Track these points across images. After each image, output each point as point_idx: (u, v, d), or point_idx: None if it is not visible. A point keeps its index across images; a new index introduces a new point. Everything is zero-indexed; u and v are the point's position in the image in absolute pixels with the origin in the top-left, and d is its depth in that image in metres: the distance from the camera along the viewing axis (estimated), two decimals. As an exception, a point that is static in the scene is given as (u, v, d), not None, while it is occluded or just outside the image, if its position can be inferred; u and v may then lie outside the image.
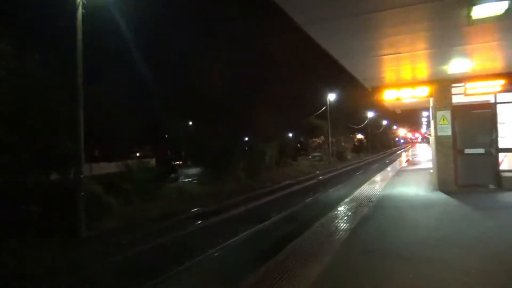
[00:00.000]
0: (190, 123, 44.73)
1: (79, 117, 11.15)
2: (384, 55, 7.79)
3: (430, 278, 4.27)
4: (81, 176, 11.19)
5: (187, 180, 24.54)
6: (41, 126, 11.98)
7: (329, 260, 5.02)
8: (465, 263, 4.66)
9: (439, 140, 10.54)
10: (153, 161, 25.58)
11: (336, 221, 7.66)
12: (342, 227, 7.05)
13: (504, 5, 4.65)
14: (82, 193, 11.01)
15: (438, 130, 10.45)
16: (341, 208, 9.00)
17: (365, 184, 13.86)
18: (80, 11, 11.20)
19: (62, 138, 12.94)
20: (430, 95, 10.44)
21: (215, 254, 8.84)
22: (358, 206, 9.04)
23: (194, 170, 26.20)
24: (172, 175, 24.84)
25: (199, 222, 12.18)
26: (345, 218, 7.89)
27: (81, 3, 11.19)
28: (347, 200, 10.25)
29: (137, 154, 35.27)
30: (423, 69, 9.34)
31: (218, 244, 9.45)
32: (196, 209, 14.29)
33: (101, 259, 8.51)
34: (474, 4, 4.74)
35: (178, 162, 34.65)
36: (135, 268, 8.19)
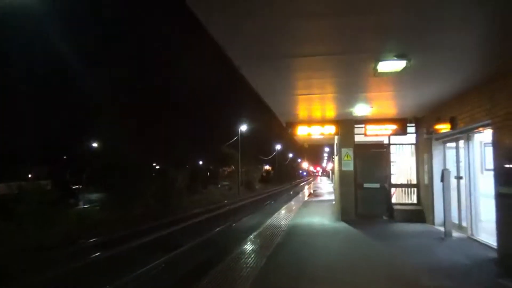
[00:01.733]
0: (95, 144, 41.92)
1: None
2: (299, 94, 8.53)
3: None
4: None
5: (87, 205, 22.74)
6: None
7: (249, 286, 5.18)
8: (368, 283, 5.32)
9: (342, 174, 11.62)
10: (49, 184, 23.22)
11: (252, 248, 7.90)
12: (259, 254, 7.29)
13: (403, 64, 5.57)
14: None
15: (342, 165, 11.54)
16: (255, 237, 9.28)
17: (275, 214, 14.46)
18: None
19: None
20: (336, 133, 11.55)
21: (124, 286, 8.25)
22: (271, 235, 9.43)
23: (96, 195, 24.41)
24: (71, 199, 22.86)
25: (100, 252, 11.27)
26: (261, 246, 8.17)
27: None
28: (260, 229, 10.60)
29: (29, 176, 31.64)
30: (331, 110, 10.37)
31: (126, 274, 8.79)
32: (95, 238, 13.25)
33: None
34: (380, 60, 5.57)
35: (78, 186, 31.94)
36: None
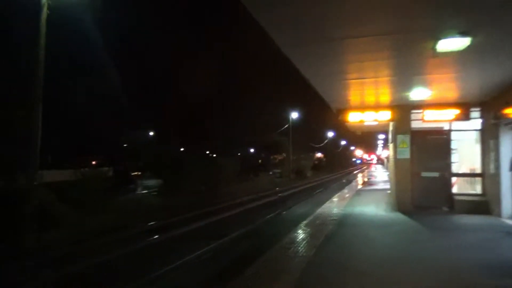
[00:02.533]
0: (151, 133, 43.81)
1: (36, 121, 10.59)
2: (351, 79, 8.14)
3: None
4: (34, 183, 10.57)
5: (145, 191, 23.86)
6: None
7: (298, 276, 5.06)
8: (425, 281, 4.91)
9: (398, 163, 11.03)
10: (110, 171, 24.66)
11: (302, 237, 7.75)
12: (308, 244, 7.14)
13: (466, 41, 5.03)
14: (34, 202, 10.39)
15: (397, 153, 10.94)
16: (305, 226, 9.12)
17: (327, 203, 14.16)
18: (45, 11, 10.76)
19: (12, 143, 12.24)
20: (391, 119, 10.95)
21: (169, 274, 8.43)
22: (321, 224, 9.21)
23: (153, 182, 25.53)
24: (130, 185, 24.10)
25: (155, 236, 11.71)
26: (310, 235, 8.00)
27: (46, 3, 10.78)
28: (310, 217, 10.40)
29: (93, 163, 33.83)
30: (386, 95, 9.82)
31: (174, 261, 8.95)
32: (152, 223, 13.84)
33: (36, 276, 7.83)
34: (440, 38, 5.09)
35: (136, 173, 33.65)
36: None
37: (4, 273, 7.88)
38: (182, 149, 25.15)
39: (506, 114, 8.64)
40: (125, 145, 46.63)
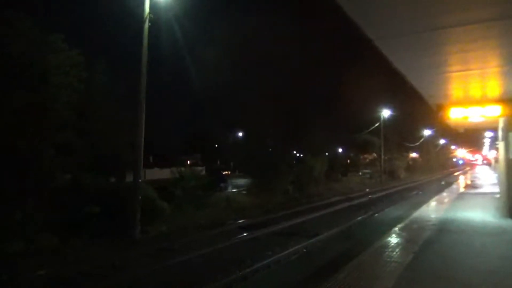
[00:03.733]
0: (240, 134, 45.40)
1: (141, 125, 11.67)
2: (453, 71, 7.43)
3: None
4: (140, 180, 11.67)
5: (235, 190, 24.77)
6: (104, 132, 12.79)
7: (393, 285, 4.76)
8: None
9: (510, 163, 9.76)
10: (203, 170, 26.15)
11: (397, 242, 7.31)
12: (404, 249, 6.70)
13: None
14: (139, 197, 11.47)
15: (510, 152, 9.70)
16: (400, 230, 8.57)
17: (424, 206, 13.16)
18: (146, 24, 11.80)
19: (122, 144, 13.73)
20: (502, 115, 9.72)
21: (266, 268, 8.64)
22: (419, 229, 8.57)
23: (242, 181, 26.41)
24: (222, 184, 25.22)
25: (246, 233, 12.08)
26: (406, 240, 7.50)
27: (148, 17, 11.81)
28: (406, 221, 9.76)
29: (188, 162, 36.25)
30: (494, 87, 8.75)
31: (268, 257, 9.21)
32: (243, 220, 14.31)
33: (151, 263, 8.67)
34: None
35: (227, 172, 35.17)
36: (185, 275, 8.22)
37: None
38: (270, 149, 25.56)
39: None
40: (216, 145, 49.11)
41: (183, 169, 19.27)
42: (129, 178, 13.01)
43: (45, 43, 11.44)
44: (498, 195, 12.87)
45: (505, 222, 9.14)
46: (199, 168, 26.40)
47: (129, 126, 12.74)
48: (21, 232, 9.76)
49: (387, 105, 40.92)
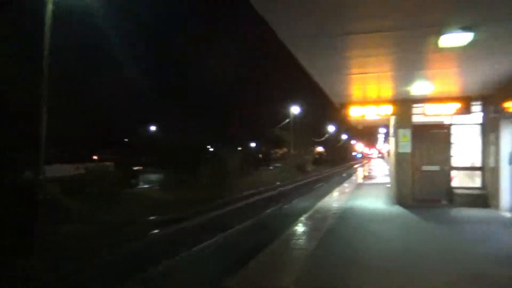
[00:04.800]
0: (153, 128, 43.87)
1: (41, 118, 10.69)
2: (353, 74, 8.21)
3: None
4: (41, 177, 10.71)
5: (148, 186, 24.00)
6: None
7: (300, 268, 5.18)
8: (429, 274, 4.98)
9: (399, 157, 11.12)
10: (112, 166, 24.79)
11: (303, 231, 7.88)
12: (310, 237, 7.26)
13: (469, 37, 5.10)
14: (39, 195, 10.53)
15: (399, 147, 11.03)
16: (306, 219, 9.24)
17: (327, 197, 14.28)
18: (50, 6, 10.79)
19: (20, 137, 12.40)
20: (393, 114, 11.02)
21: (177, 264, 8.64)
22: (322, 217, 9.33)
23: (155, 176, 25.66)
24: (133, 180, 24.23)
25: (159, 230, 11.88)
26: (312, 228, 8.12)
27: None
28: (311, 211, 10.52)
29: (95, 158, 34.01)
30: (387, 89, 9.89)
31: (179, 253, 9.22)
32: (156, 216, 14.00)
33: (51, 269, 8.03)
34: (443, 34, 5.15)
35: (138, 168, 33.81)
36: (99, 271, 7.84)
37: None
38: (185, 144, 25.27)
39: (507, 107, 8.72)
40: (126, 139, 46.76)
41: (89, 164, 18.12)
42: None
43: None
44: (389, 185, 14.54)
45: (394, 209, 10.42)
46: (108, 163, 24.99)
47: (29, 117, 11.56)
48: None
49: (297, 102, 43.18)
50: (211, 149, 35.32)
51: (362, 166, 60.00)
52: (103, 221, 12.36)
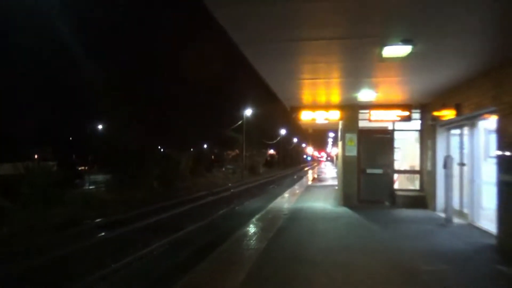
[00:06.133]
0: (100, 126, 42.13)
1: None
2: (304, 79, 8.48)
3: (340, 281, 4.86)
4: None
5: (93, 187, 23.02)
6: None
7: (250, 267, 5.30)
8: (368, 267, 5.39)
9: (346, 160, 11.64)
10: (55, 165, 23.48)
11: (254, 231, 8.01)
12: (260, 237, 7.41)
13: (408, 49, 5.51)
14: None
15: (345, 150, 11.55)
16: (257, 220, 9.40)
17: (278, 198, 14.57)
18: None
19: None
20: (341, 119, 11.52)
21: (128, 266, 8.41)
22: (273, 218, 9.54)
23: (101, 177, 24.67)
24: (77, 180, 23.14)
25: (105, 232, 11.46)
26: (262, 229, 8.28)
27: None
28: (262, 212, 10.71)
29: (36, 156, 31.96)
30: (336, 95, 10.31)
31: (130, 254, 8.97)
32: (103, 218, 13.49)
33: None
34: (385, 45, 5.52)
35: (83, 167, 32.28)
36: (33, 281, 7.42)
37: None
38: (133, 143, 24.54)
39: (442, 115, 9.47)
40: (70, 138, 44.52)
41: (29, 163, 17.03)
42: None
43: None
44: (337, 187, 15.14)
45: (341, 210, 10.89)
46: (50, 163, 23.61)
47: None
48: None
49: (250, 104, 43.50)
50: (162, 150, 34.60)
51: (312, 168, 61.68)
52: (37, 224, 11.67)
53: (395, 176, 11.88)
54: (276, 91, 9.72)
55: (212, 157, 49.29)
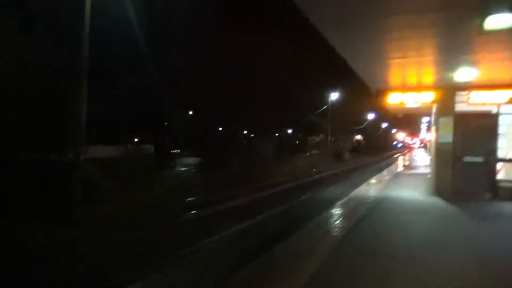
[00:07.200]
0: (191, 112, 44.72)
1: (82, 97, 11.12)
2: (392, 58, 7.85)
3: (421, 281, 4.37)
4: (80, 157, 11.19)
5: (184, 169, 24.57)
6: (42, 103, 11.92)
7: (325, 257, 5.10)
8: (457, 270, 4.74)
9: (440, 146, 10.60)
10: (151, 148, 25.60)
11: (333, 219, 7.75)
12: (339, 225, 7.13)
13: (517, 17, 4.69)
14: (79, 176, 11.00)
15: (439, 136, 10.51)
16: (338, 207, 9.09)
17: (362, 185, 13.97)
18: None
19: (63, 117, 12.92)
20: (434, 101, 10.48)
21: (208, 246, 8.79)
22: (355, 206, 9.13)
23: (192, 160, 26.23)
24: (171, 163, 24.91)
25: (193, 212, 12.18)
26: (342, 217, 7.97)
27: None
28: (344, 199, 10.33)
29: (136, 140, 35.22)
30: (429, 75, 9.38)
31: (212, 235, 9.39)
32: (190, 199, 14.33)
33: (92, 243, 8.49)
34: (488, 15, 4.76)
35: (176, 151, 34.68)
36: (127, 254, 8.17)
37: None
38: (220, 128, 25.62)
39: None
40: (165, 123, 48.00)
41: (129, 146, 18.76)
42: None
43: None
44: (429, 176, 13.96)
45: (432, 201, 9.98)
46: (147, 146, 25.79)
47: (71, 98, 12.00)
48: None
49: (335, 88, 42.24)
50: (250, 135, 35.49)
51: (403, 155, 58.09)
52: (137, 202, 12.80)
53: (499, 165, 10.50)
54: (359, 72, 9.18)
55: (296, 142, 49.20)
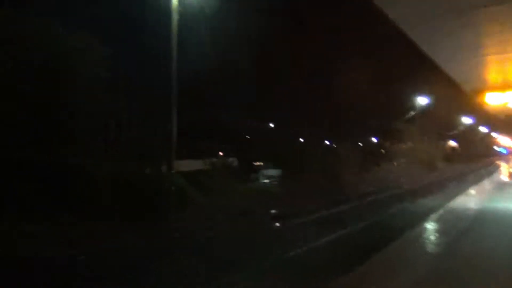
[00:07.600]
0: (271, 125, 45.40)
1: (173, 116, 12.01)
2: (489, 54, 7.12)
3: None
4: (172, 171, 12.04)
5: (266, 181, 24.84)
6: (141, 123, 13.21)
7: (423, 274, 4.70)
8: None
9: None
10: (235, 161, 26.43)
11: (428, 233, 7.16)
12: (434, 240, 6.55)
13: None
14: (171, 187, 11.86)
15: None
16: (434, 221, 8.38)
17: (460, 196, 12.77)
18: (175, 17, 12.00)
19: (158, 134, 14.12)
20: (544, 100, 9.21)
21: (295, 257, 8.71)
22: (453, 220, 8.36)
23: (273, 172, 26.46)
24: (253, 175, 25.43)
25: (278, 223, 12.21)
26: (438, 231, 7.33)
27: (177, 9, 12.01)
28: (440, 211, 9.51)
29: (220, 153, 36.72)
30: (537, 70, 8.29)
31: (299, 246, 9.31)
32: (274, 210, 14.40)
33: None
34: None
35: (259, 163, 35.35)
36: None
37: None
38: (302, 140, 25.54)
39: None
40: (247, 136, 49.31)
41: (214, 160, 19.60)
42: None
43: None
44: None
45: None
46: (231, 159, 26.71)
47: (162, 116, 13.11)
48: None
49: (423, 92, 39.53)
50: (330, 144, 34.81)
51: (507, 162, 51.80)
52: (223, 211, 13.30)
53: None
54: (450, 72, 8.48)
55: (382, 151, 46.85)
